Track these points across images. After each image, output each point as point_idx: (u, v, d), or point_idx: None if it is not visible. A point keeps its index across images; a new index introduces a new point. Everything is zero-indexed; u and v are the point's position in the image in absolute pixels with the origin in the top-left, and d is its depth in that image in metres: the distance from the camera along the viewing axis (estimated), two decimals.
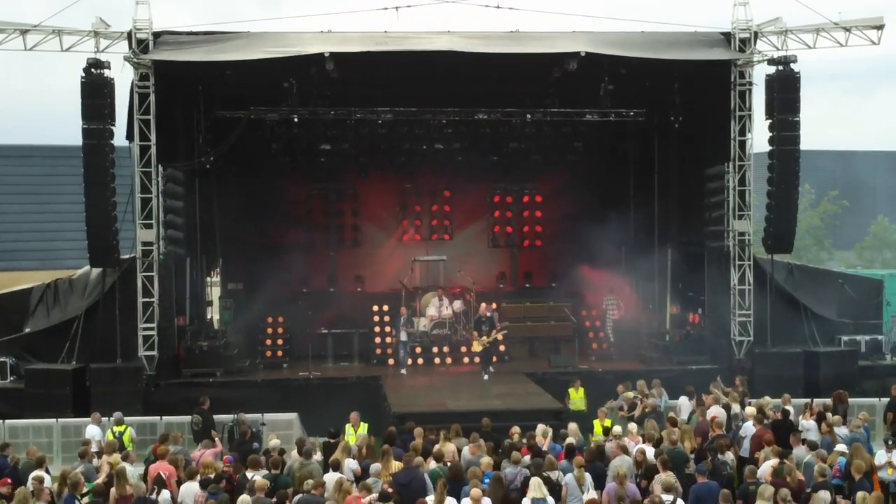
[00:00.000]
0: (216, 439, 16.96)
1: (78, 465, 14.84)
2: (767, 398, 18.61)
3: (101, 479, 14.00)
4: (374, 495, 12.96)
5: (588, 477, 13.65)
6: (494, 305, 25.16)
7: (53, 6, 22.44)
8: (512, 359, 25.97)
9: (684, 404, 19.20)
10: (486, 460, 14.05)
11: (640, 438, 15.80)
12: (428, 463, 14.39)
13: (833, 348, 24.97)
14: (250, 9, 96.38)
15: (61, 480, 13.29)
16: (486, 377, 23.54)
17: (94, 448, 16.04)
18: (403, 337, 25.24)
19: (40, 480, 13.45)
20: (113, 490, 13.24)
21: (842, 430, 16.41)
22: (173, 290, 24.02)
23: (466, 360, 25.82)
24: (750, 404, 18.36)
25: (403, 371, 24.81)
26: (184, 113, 25.02)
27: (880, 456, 14.98)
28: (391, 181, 29.54)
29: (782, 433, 16.14)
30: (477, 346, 24.28)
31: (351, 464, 14.44)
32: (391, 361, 25.86)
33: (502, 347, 25.55)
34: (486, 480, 13.24)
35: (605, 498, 13.13)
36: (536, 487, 12.79)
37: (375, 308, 27.77)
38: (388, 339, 26.61)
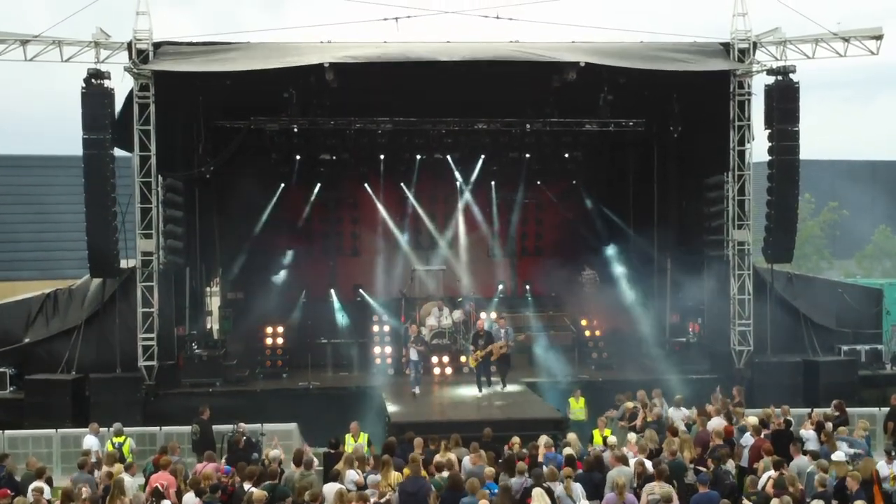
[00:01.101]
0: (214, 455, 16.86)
1: (77, 476, 14.81)
2: (768, 409, 18.56)
3: (99, 490, 13.99)
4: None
5: (577, 487, 13.59)
6: (503, 321, 24.16)
7: (54, 17, 22.53)
8: (512, 368, 25.91)
9: (675, 414, 19.19)
10: (490, 470, 14.04)
11: (639, 449, 15.78)
12: (430, 473, 14.36)
13: (833, 358, 24.97)
14: (251, 19, 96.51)
15: (64, 498, 13.19)
16: (481, 394, 22.82)
17: (93, 459, 16.00)
18: (414, 356, 23.28)
19: (40, 491, 13.42)
20: (107, 500, 13.21)
21: (844, 440, 16.39)
22: (173, 300, 24.00)
23: (466, 369, 25.75)
24: (743, 415, 18.42)
25: (416, 391, 22.87)
26: (183, 123, 25.05)
27: (882, 467, 14.91)
28: (391, 190, 29.57)
29: (784, 443, 16.13)
30: (472, 362, 23.43)
31: (352, 475, 14.40)
32: (390, 371, 25.79)
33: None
34: (489, 490, 13.20)
35: None
36: (539, 497, 12.76)
37: (375, 318, 27.76)
38: (388, 349, 26.58)
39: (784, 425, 17.48)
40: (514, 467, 14.19)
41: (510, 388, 23.32)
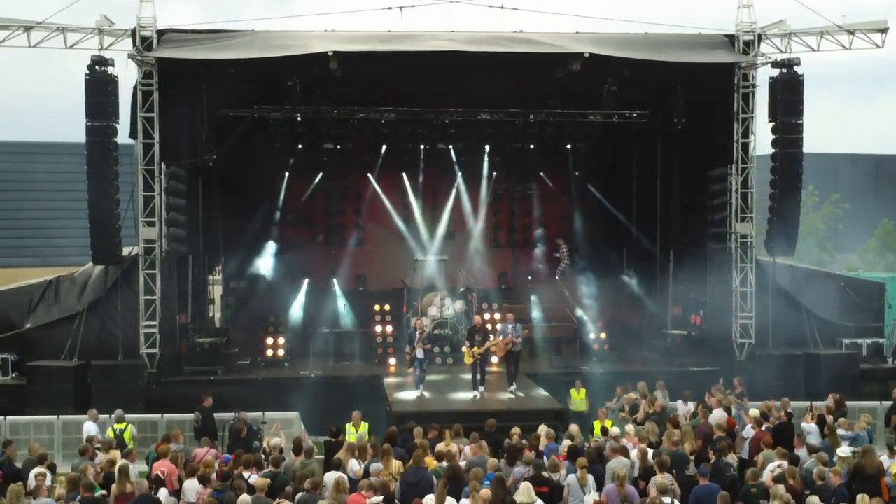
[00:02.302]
0: (213, 442, 16.90)
1: (77, 462, 14.85)
2: (768, 402, 18.60)
3: (100, 477, 14.04)
4: (379, 499, 12.85)
5: (590, 478, 13.64)
6: (511, 315, 22.31)
7: (58, 3, 22.47)
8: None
9: (681, 408, 19.23)
10: (493, 461, 14.06)
11: (639, 440, 15.81)
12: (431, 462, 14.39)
13: (834, 351, 24.97)
14: (256, 8, 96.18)
15: (71, 486, 13.19)
16: (476, 395, 21.44)
17: (96, 445, 16.06)
18: (420, 354, 21.59)
19: (43, 476, 13.45)
20: (114, 486, 13.26)
21: (844, 433, 16.40)
22: (175, 288, 24.05)
23: (468, 360, 25.66)
24: (742, 408, 18.45)
25: (420, 392, 21.58)
26: (187, 111, 24.96)
27: (884, 461, 14.93)
28: (394, 180, 29.57)
29: (785, 436, 16.17)
30: (468, 359, 21.60)
31: (354, 465, 14.44)
32: (392, 361, 25.78)
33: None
34: (486, 481, 13.21)
35: (605, 499, 13.13)
36: (525, 492, 12.76)
37: (377, 307, 27.76)
38: (390, 339, 26.58)
39: (787, 418, 17.52)
40: (516, 457, 14.23)
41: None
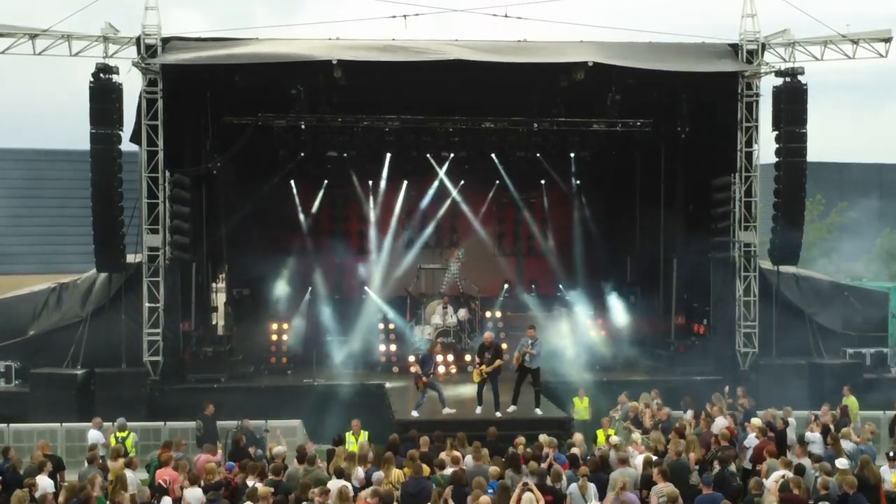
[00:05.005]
0: (217, 446, 16.89)
1: (85, 470, 14.83)
2: (770, 411, 18.58)
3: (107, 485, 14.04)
4: None
5: (592, 487, 13.62)
6: (532, 330, 20.37)
7: (63, 11, 22.55)
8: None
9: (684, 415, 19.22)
10: (495, 469, 14.04)
11: (644, 448, 15.80)
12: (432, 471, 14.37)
13: (838, 360, 24.90)
14: (262, 17, 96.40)
15: (69, 493, 13.15)
16: (477, 410, 20.53)
17: (101, 452, 16.05)
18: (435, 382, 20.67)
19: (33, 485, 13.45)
20: (109, 495, 13.25)
21: (847, 444, 16.36)
22: (179, 296, 24.02)
23: (471, 368, 25.61)
24: (745, 418, 18.44)
25: (448, 409, 20.39)
26: (191, 119, 25.05)
27: (885, 471, 14.91)
28: (397, 188, 29.60)
29: (781, 445, 16.20)
30: (476, 376, 20.47)
31: (359, 472, 14.43)
32: (395, 370, 25.74)
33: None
34: (490, 489, 13.20)
35: None
36: (529, 502, 12.74)
37: (380, 316, 27.75)
38: (392, 347, 26.56)
39: (783, 426, 17.52)
40: (519, 466, 14.21)
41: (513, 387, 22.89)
